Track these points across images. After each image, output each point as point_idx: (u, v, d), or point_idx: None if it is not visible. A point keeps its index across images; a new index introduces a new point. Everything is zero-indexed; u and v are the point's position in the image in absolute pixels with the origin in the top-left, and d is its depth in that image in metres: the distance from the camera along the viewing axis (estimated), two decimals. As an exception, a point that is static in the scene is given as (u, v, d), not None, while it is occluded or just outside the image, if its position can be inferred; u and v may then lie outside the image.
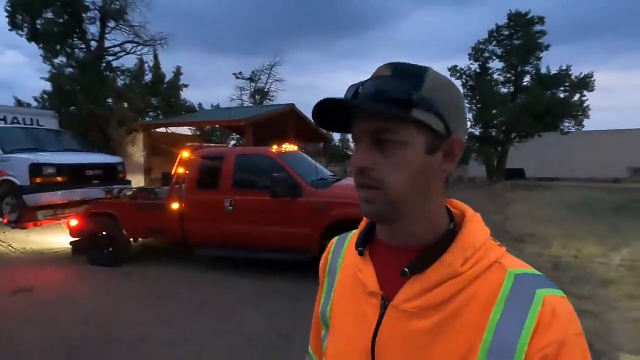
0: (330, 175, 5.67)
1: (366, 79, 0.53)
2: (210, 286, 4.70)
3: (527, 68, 20.66)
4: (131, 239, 5.76)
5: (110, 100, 15.31)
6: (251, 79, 32.47)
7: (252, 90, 32.49)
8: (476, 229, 0.54)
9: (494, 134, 21.05)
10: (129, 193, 6.11)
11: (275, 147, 5.21)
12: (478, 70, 21.10)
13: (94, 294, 4.53)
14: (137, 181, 10.08)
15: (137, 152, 12.71)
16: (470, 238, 0.53)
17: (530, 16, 20.20)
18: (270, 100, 31.72)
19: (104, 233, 5.53)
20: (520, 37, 20.29)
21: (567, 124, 20.31)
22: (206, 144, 7.01)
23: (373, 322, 0.55)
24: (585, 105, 19.53)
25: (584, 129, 21.46)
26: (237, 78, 32.46)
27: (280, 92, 33.45)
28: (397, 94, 0.49)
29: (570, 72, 19.33)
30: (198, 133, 18.09)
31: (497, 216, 9.72)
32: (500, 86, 21.16)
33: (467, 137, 0.56)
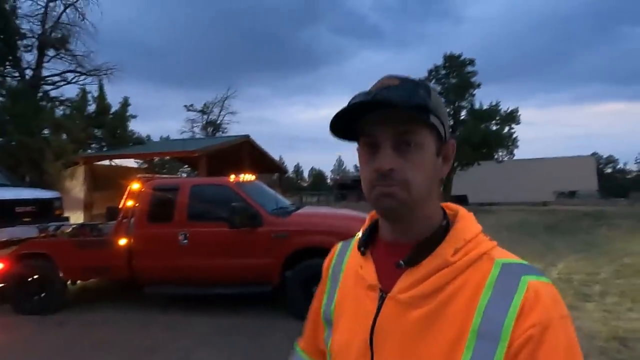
0: (290, 204, 5.64)
1: (372, 87, 0.58)
2: (162, 328, 4.31)
3: (463, 103, 22.83)
4: (67, 282, 5.17)
5: (46, 131, 14.13)
6: (203, 111, 32.02)
7: (204, 122, 31.97)
8: (467, 225, 0.59)
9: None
10: (68, 230, 5.55)
11: (232, 177, 5.11)
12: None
13: (19, 347, 3.93)
14: (76, 217, 9.20)
15: (76, 186, 11.68)
16: (461, 232, 0.57)
17: (462, 58, 22.66)
18: (222, 132, 31.34)
19: (35, 276, 4.91)
20: (455, 76, 22.56)
21: (500, 153, 22.48)
22: (158, 175, 6.67)
23: (372, 313, 0.58)
24: (514, 136, 21.87)
25: (514, 158, 23.91)
26: (188, 110, 31.87)
27: (233, 124, 33.05)
28: (419, 100, 0.55)
29: (499, 107, 21.72)
30: (145, 165, 17.19)
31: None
32: (442, 119, 23.02)
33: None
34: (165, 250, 4.71)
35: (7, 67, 15.11)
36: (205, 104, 31.85)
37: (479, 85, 22.55)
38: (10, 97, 13.94)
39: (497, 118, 21.52)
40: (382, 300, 0.58)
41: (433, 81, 23.00)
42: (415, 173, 0.56)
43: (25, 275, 4.90)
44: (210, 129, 30.86)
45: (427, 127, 0.57)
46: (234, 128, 31.64)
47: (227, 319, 4.51)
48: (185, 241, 4.66)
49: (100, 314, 4.87)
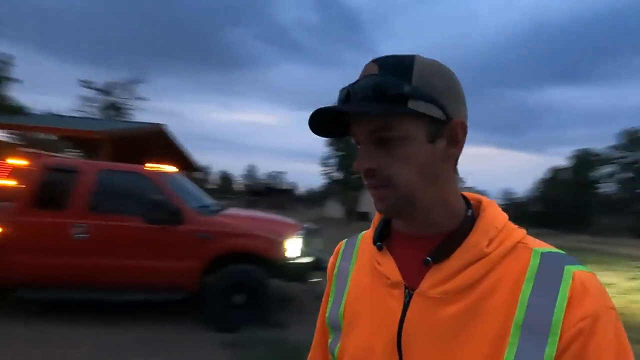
0: (214, 203, 5.19)
1: (356, 79, 0.53)
2: (34, 342, 3.45)
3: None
4: None
5: None
6: (104, 91, 28.17)
7: (104, 103, 28.12)
8: (495, 212, 0.55)
9: (351, 179, 23.89)
10: None
11: (150, 165, 4.49)
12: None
13: None
14: None
15: None
16: (491, 221, 0.53)
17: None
18: (125, 118, 27.97)
19: None
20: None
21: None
22: (49, 153, 5.47)
23: (397, 313, 0.53)
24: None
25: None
26: (86, 87, 27.64)
27: (139, 111, 29.65)
28: (388, 90, 0.49)
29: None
30: (20, 141, 14.19)
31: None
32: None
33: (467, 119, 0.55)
34: (52, 244, 3.84)
35: None
36: (108, 84, 28.09)
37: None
38: None
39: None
40: (408, 297, 0.53)
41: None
42: (400, 168, 0.51)
43: None
44: (111, 112, 27.23)
45: (406, 116, 0.50)
46: (140, 117, 28.50)
47: (125, 331, 3.85)
48: (83, 235, 3.87)
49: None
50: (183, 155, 13.91)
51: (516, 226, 0.54)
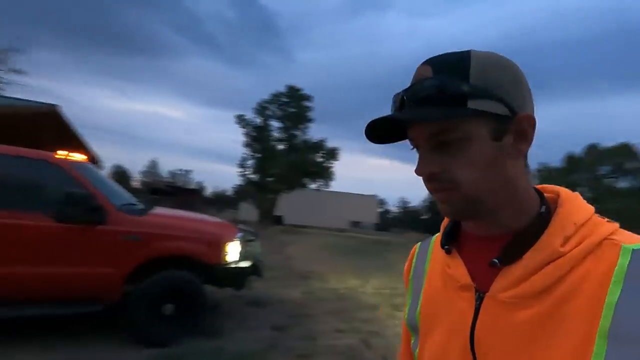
0: (138, 201, 4.58)
1: (409, 85, 0.51)
2: None
3: (297, 133, 25.17)
4: None
5: None
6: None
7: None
8: (575, 206, 0.50)
9: (269, 182, 23.72)
10: None
11: (61, 153, 3.77)
12: (261, 125, 23.80)
13: None
14: None
15: None
16: (570, 216, 0.48)
17: (301, 92, 25.19)
18: (-6, 92, 22.75)
19: None
20: (293, 106, 24.75)
21: (318, 182, 25.76)
22: None
23: (469, 316, 0.51)
24: (331, 170, 25.62)
25: (326, 189, 27.88)
26: None
27: (13, 86, 24.35)
28: (445, 92, 0.46)
29: (325, 143, 25.11)
30: None
31: (278, 256, 10.67)
32: (277, 142, 24.59)
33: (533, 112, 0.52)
34: None
35: None
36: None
37: (310, 120, 25.50)
38: None
39: (323, 152, 24.72)
40: (480, 300, 0.51)
41: (274, 105, 24.48)
42: (465, 170, 0.48)
43: None
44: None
45: (468, 116, 0.47)
46: (12, 92, 23.47)
47: (34, 355, 3.12)
48: (-38, 236, 3.02)
49: None
50: (78, 144, 11.93)
51: (605, 220, 0.49)
